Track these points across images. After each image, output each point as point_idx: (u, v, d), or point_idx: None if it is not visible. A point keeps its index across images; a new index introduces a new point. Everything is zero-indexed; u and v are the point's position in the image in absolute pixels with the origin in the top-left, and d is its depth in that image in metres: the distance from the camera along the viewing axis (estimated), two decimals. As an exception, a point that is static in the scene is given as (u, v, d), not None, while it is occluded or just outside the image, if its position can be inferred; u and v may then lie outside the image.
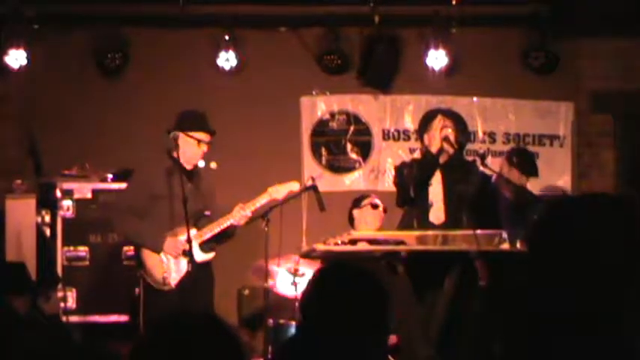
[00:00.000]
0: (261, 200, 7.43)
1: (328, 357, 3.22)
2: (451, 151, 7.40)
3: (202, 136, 7.41)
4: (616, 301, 2.19)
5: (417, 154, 8.68)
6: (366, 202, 8.32)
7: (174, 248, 7.32)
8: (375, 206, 8.27)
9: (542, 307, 2.24)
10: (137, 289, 7.48)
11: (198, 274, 7.25)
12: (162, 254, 7.35)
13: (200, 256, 7.32)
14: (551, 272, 2.25)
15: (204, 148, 7.43)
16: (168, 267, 7.34)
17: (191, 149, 7.40)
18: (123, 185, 8.16)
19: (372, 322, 3.26)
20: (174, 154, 7.39)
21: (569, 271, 2.22)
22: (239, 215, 7.35)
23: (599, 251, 2.21)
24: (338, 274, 3.41)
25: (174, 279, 7.34)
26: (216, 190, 7.60)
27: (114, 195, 8.59)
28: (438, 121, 7.47)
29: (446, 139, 7.38)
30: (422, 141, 7.64)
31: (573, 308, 2.20)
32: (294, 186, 7.52)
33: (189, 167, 7.45)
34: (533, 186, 8.94)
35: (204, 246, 7.39)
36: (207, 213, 7.40)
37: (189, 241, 7.06)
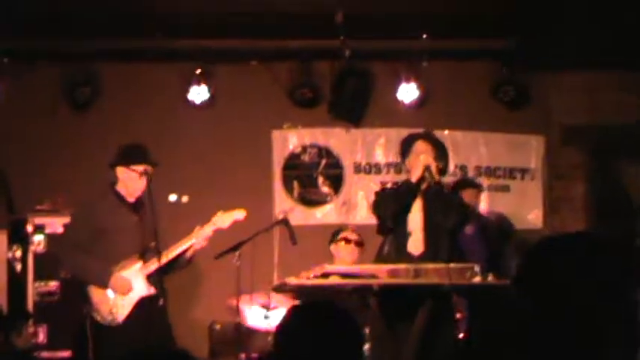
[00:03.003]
0: (207, 229, 7.36)
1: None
2: (432, 181, 7.28)
3: (143, 168, 7.37)
4: (594, 339, 2.25)
5: (389, 186, 8.63)
6: (340, 236, 8.28)
7: (120, 287, 7.23)
8: (347, 241, 8.24)
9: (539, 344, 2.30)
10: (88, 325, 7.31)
11: (147, 307, 7.16)
12: (108, 290, 7.24)
13: (146, 289, 7.25)
14: (536, 312, 2.31)
15: (145, 180, 7.38)
16: (115, 302, 7.23)
17: (133, 182, 7.36)
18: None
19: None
20: (117, 188, 7.39)
21: (547, 311, 2.28)
22: (200, 234, 7.30)
23: (572, 292, 2.26)
24: (311, 313, 3.40)
25: (121, 315, 7.23)
26: (160, 221, 7.41)
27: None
28: (419, 147, 7.34)
29: (427, 168, 7.23)
30: (404, 163, 7.48)
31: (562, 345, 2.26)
32: (239, 214, 7.42)
33: (131, 200, 7.41)
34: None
35: (151, 279, 7.28)
36: (151, 245, 7.16)
37: (159, 270, 7.02)
